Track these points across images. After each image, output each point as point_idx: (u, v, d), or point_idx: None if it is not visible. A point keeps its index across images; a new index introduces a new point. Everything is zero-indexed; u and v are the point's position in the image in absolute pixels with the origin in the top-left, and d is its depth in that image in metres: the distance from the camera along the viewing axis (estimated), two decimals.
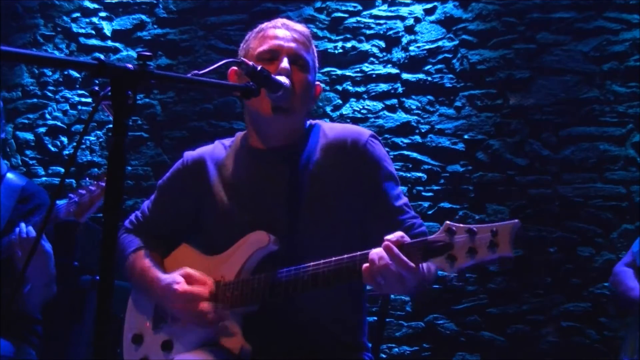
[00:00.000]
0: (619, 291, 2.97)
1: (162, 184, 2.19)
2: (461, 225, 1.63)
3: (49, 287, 2.55)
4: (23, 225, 2.45)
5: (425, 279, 1.80)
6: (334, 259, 1.79)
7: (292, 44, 2.01)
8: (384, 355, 3.88)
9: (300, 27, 2.08)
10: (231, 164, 2.09)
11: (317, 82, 2.13)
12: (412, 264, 1.64)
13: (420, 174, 4.04)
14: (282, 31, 2.03)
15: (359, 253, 1.75)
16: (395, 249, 1.64)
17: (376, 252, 1.67)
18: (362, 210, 1.96)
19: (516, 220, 1.60)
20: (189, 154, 2.17)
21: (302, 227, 1.95)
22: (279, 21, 2.08)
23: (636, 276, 2.87)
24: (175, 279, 1.95)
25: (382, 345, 3.38)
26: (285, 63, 1.96)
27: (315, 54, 2.10)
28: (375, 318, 2.56)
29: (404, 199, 1.99)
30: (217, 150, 2.15)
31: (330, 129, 2.08)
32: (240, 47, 2.14)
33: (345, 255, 1.77)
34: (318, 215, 1.95)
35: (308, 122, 2.11)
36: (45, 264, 2.48)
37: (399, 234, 1.69)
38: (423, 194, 4.02)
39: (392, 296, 3.05)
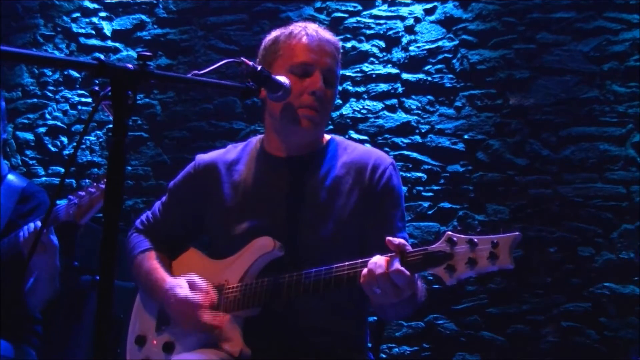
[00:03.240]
0: None
1: (173, 187, 2.20)
2: (462, 235, 1.64)
3: (54, 280, 2.56)
4: (31, 224, 2.46)
5: (419, 296, 1.83)
6: (335, 265, 1.80)
7: (327, 59, 2.00)
8: (384, 355, 3.88)
9: (331, 37, 2.06)
10: (244, 169, 2.09)
11: None
12: (408, 273, 1.65)
13: (420, 174, 4.04)
14: (315, 43, 2.00)
15: (360, 260, 1.77)
16: (395, 258, 1.66)
17: (375, 261, 1.69)
18: (365, 229, 1.99)
19: (517, 233, 1.61)
20: (201, 158, 2.17)
21: (309, 236, 1.97)
22: (311, 27, 2.05)
23: None
24: (179, 283, 1.97)
25: (382, 345, 3.38)
26: (320, 82, 1.97)
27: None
28: (375, 318, 2.56)
29: (405, 234, 2.02)
30: (229, 154, 2.15)
31: (353, 148, 2.11)
32: (263, 43, 2.10)
33: (347, 263, 1.79)
34: (327, 228, 1.97)
35: (330, 137, 2.13)
36: (53, 257, 2.50)
37: (401, 240, 1.71)
38: (423, 194, 4.02)
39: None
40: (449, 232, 1.65)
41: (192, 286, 1.96)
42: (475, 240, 1.62)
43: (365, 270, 1.70)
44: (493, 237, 1.61)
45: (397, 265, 1.65)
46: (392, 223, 1.99)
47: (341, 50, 2.11)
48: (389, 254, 1.70)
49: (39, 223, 2.45)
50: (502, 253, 1.59)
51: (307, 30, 2.03)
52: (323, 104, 1.99)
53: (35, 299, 2.59)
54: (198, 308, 1.90)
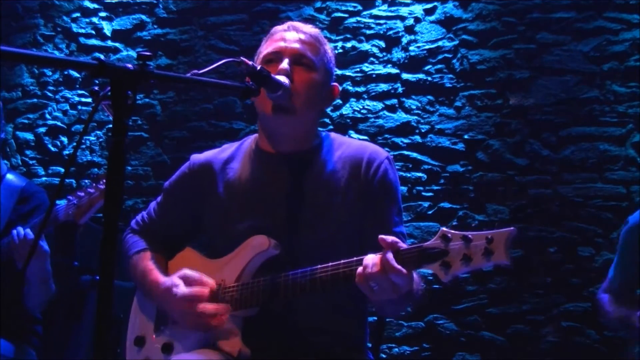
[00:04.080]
0: (602, 316, 3.08)
1: (168, 187, 2.19)
2: (456, 232, 1.62)
3: (46, 284, 2.57)
4: (20, 228, 2.46)
5: (416, 289, 1.82)
6: (331, 264, 1.80)
7: (296, 45, 2.00)
8: (384, 355, 3.88)
9: (309, 29, 2.07)
10: (239, 167, 2.09)
11: (335, 84, 2.14)
12: (405, 271, 1.64)
13: (420, 174, 4.04)
14: (288, 33, 2.04)
15: (355, 259, 1.76)
16: (390, 256, 1.65)
17: (370, 258, 1.68)
18: (362, 225, 1.98)
19: (512, 228, 1.60)
20: (196, 158, 2.16)
21: (306, 234, 1.96)
22: (289, 24, 2.08)
23: (613, 301, 2.94)
24: (174, 282, 1.96)
25: (382, 345, 3.38)
26: (284, 64, 1.96)
27: (329, 55, 2.09)
28: (375, 318, 2.56)
29: (402, 228, 2.01)
30: (224, 153, 2.14)
31: (348, 143, 2.10)
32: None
33: (342, 261, 1.78)
34: (324, 224, 1.96)
35: (323, 133, 2.12)
36: (43, 262, 2.51)
37: (394, 238, 1.70)
38: (423, 194, 4.02)
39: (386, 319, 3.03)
40: (444, 229, 1.64)
41: (187, 281, 1.95)
42: (470, 236, 1.61)
43: (360, 269, 1.69)
44: (487, 233, 1.60)
45: (393, 262, 1.64)
46: (389, 218, 1.98)
47: (325, 42, 2.08)
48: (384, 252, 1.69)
49: (29, 230, 2.46)
50: (497, 249, 1.57)
51: (284, 26, 2.07)
52: (295, 86, 1.95)
53: (31, 302, 2.60)
54: (199, 302, 1.89)
